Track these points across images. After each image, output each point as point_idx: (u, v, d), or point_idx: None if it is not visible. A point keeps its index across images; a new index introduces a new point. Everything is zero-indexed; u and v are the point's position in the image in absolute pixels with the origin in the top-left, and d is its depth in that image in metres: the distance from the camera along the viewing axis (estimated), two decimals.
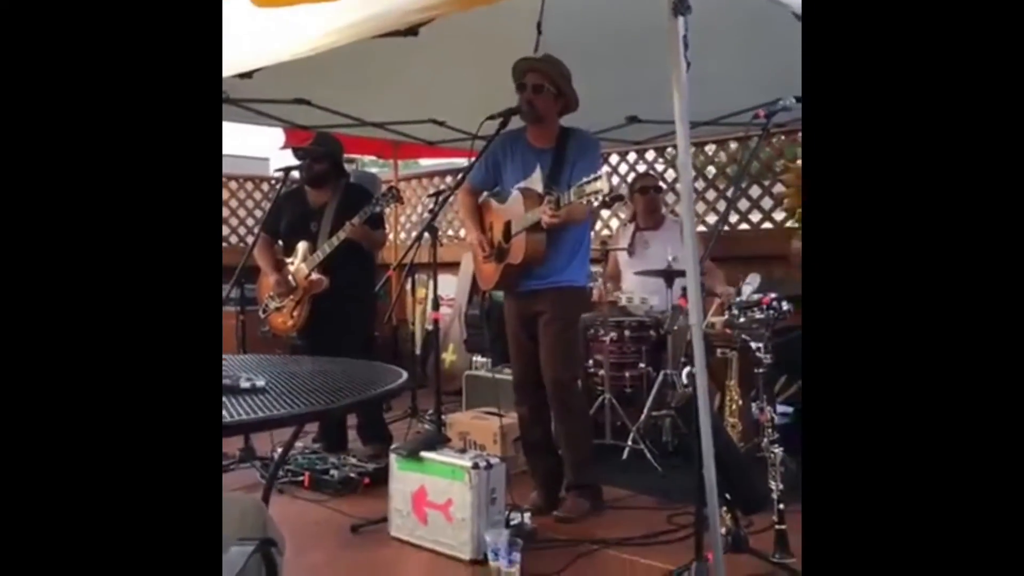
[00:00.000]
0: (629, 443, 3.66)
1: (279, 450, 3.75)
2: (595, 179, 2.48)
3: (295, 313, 3.77)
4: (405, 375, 1.77)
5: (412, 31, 3.00)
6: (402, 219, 6.79)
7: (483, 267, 3.09)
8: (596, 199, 2.46)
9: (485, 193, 3.15)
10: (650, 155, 5.53)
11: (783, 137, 4.71)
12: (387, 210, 3.90)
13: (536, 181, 2.93)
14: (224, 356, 3.35)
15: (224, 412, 1.36)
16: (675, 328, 2.50)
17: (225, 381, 1.56)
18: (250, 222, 6.78)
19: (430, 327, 5.96)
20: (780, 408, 3.35)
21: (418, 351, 5.69)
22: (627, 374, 3.89)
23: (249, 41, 2.69)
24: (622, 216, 5.37)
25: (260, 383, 1.57)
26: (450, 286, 5.71)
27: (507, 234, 2.94)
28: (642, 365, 3.88)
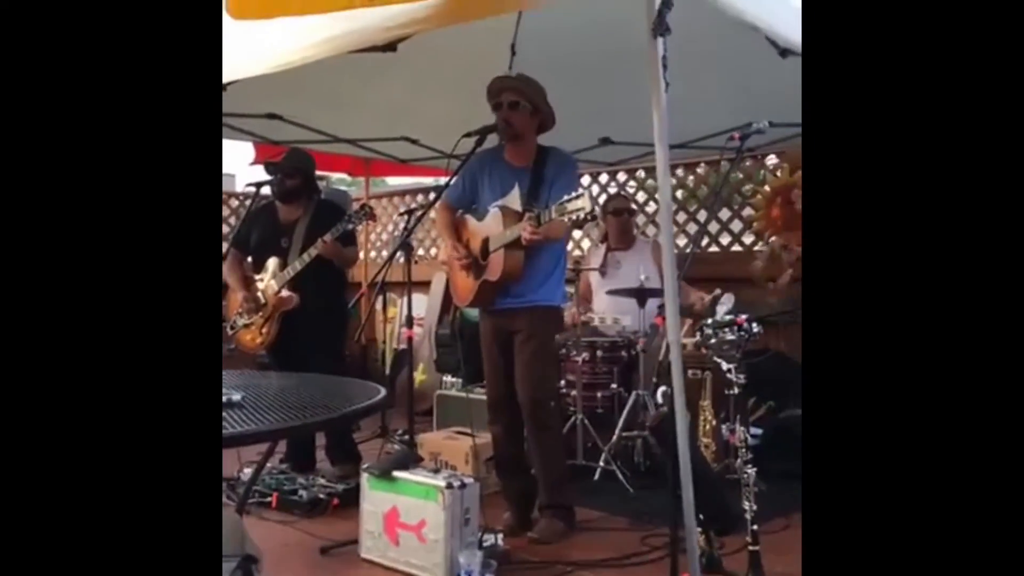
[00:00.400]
0: (601, 464, 3.65)
1: (246, 470, 3.68)
2: (577, 197, 2.49)
3: (264, 330, 3.71)
4: (383, 391, 1.75)
5: (391, 47, 3.00)
6: (372, 237, 6.75)
7: (459, 284, 3.07)
8: (578, 216, 2.47)
9: (460, 211, 3.15)
10: (622, 176, 5.58)
11: (752, 160, 4.78)
12: (359, 228, 3.87)
13: (514, 199, 2.93)
14: None
15: None
16: (653, 345, 2.51)
17: None
18: None
19: (399, 346, 5.96)
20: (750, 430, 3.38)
21: (387, 370, 5.64)
22: (599, 394, 3.89)
23: (224, 53, 2.65)
24: (593, 236, 5.40)
25: (236, 397, 1.54)
26: (420, 305, 5.68)
27: (484, 251, 2.93)
28: (614, 386, 3.88)
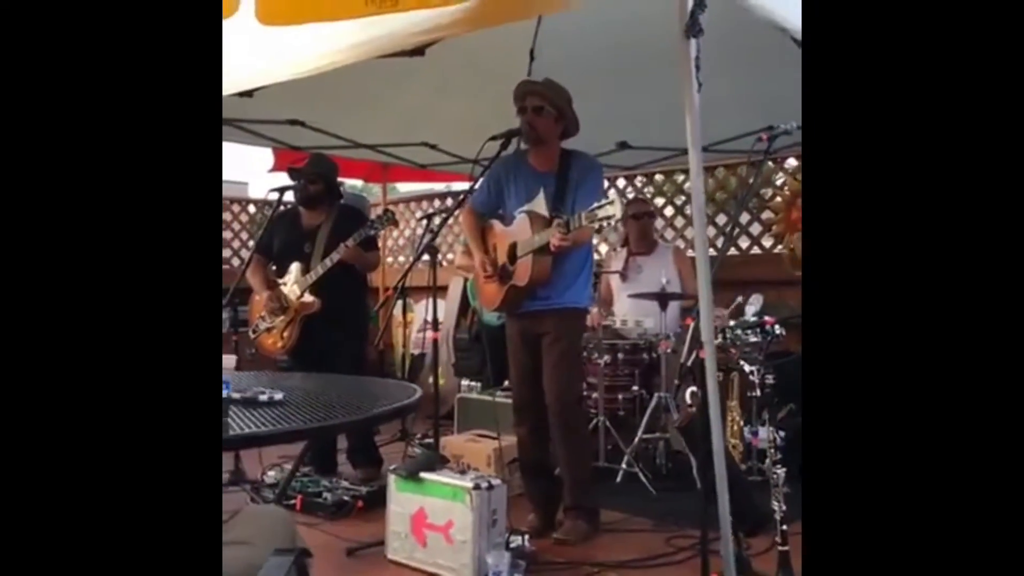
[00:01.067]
0: (623, 466, 3.66)
1: (269, 473, 3.71)
2: (607, 203, 2.50)
3: (285, 334, 3.73)
4: (419, 390, 1.76)
5: (418, 51, 3.02)
6: (388, 242, 6.78)
7: (485, 288, 3.09)
8: (608, 224, 2.48)
9: (486, 216, 3.16)
10: (639, 181, 5.59)
11: (772, 163, 4.79)
12: (381, 233, 3.89)
13: (540, 204, 2.94)
14: (231, 372, 3.31)
15: (245, 425, 1.34)
16: (685, 347, 2.51)
17: (243, 394, 1.54)
18: (236, 244, 6.73)
19: (416, 351, 5.98)
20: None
21: (404, 376, 5.65)
22: (620, 396, 3.89)
23: (253, 59, 2.69)
24: (610, 240, 5.41)
25: (278, 396, 1.55)
26: (438, 310, 5.69)
27: (512, 256, 2.94)
28: (635, 388, 3.88)
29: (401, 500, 2.76)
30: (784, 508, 2.49)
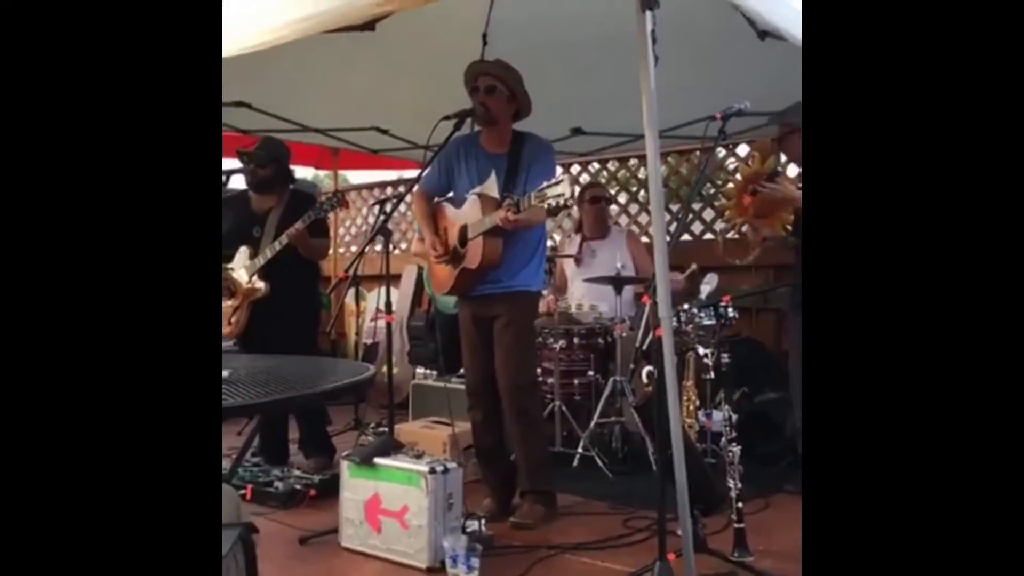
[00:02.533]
0: (579, 450, 3.65)
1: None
2: (557, 183, 2.47)
3: (233, 319, 3.63)
4: (372, 368, 1.72)
5: (369, 26, 2.95)
6: (340, 231, 6.66)
7: (437, 272, 3.04)
8: (558, 202, 2.45)
9: (436, 199, 3.12)
10: (594, 167, 5.59)
11: (724, 150, 4.82)
12: (329, 215, 3.81)
13: (491, 186, 2.90)
14: None
15: None
16: (640, 329, 2.51)
17: None
18: None
19: (368, 341, 5.89)
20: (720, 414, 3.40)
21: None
22: (576, 381, 3.88)
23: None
24: (565, 227, 5.40)
25: (224, 373, 1.49)
26: (391, 297, 5.62)
27: (463, 239, 2.90)
28: (591, 373, 3.87)
29: (355, 486, 2.70)
30: (739, 486, 2.51)
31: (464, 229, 2.91)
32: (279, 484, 3.26)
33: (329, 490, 3.12)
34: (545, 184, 2.52)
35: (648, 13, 1.88)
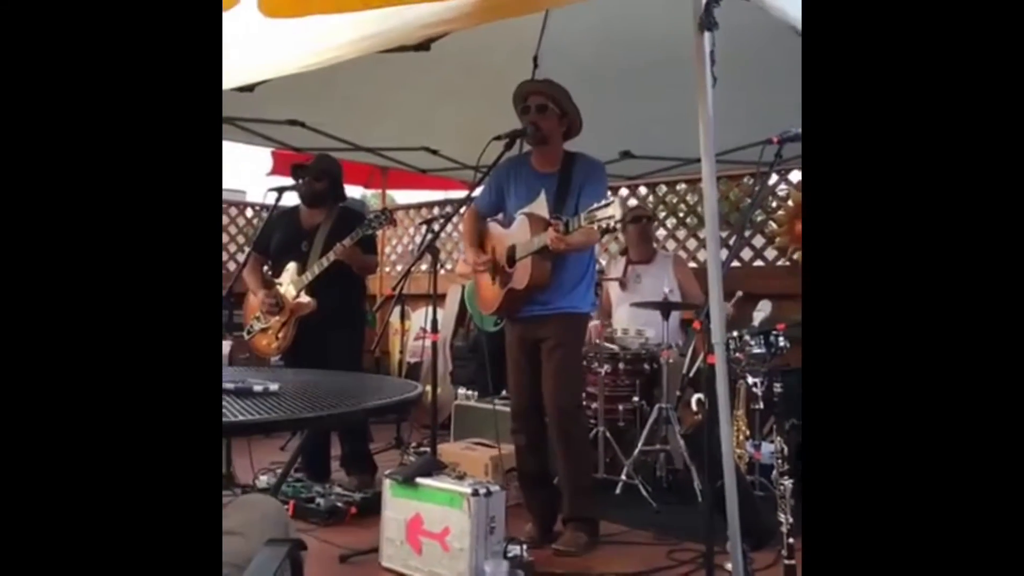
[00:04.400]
0: (623, 478, 3.58)
1: (261, 477, 3.63)
2: (607, 204, 2.44)
3: (280, 335, 3.66)
4: (419, 387, 1.70)
5: (423, 46, 2.98)
6: (387, 250, 6.71)
7: (485, 292, 3.02)
8: (608, 224, 2.42)
9: (487, 218, 3.11)
10: (642, 191, 5.55)
11: (776, 176, 4.75)
12: (378, 233, 3.83)
13: (541, 206, 2.89)
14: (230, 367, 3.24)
15: (239, 413, 1.28)
16: (687, 356, 2.45)
17: (237, 385, 1.48)
18: (232, 248, 6.68)
19: (413, 359, 5.90)
20: (770, 446, 3.31)
21: None
22: (620, 407, 3.82)
23: (255, 52, 2.64)
24: (611, 250, 5.36)
25: (273, 387, 1.49)
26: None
27: (511, 259, 2.88)
28: (636, 399, 3.81)
29: (396, 506, 2.68)
30: (791, 521, 2.42)
31: (512, 249, 2.89)
32: (321, 501, 3.26)
33: (370, 508, 3.10)
34: (596, 205, 2.49)
35: (707, 34, 1.85)
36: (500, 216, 3.10)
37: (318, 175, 3.69)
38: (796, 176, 4.77)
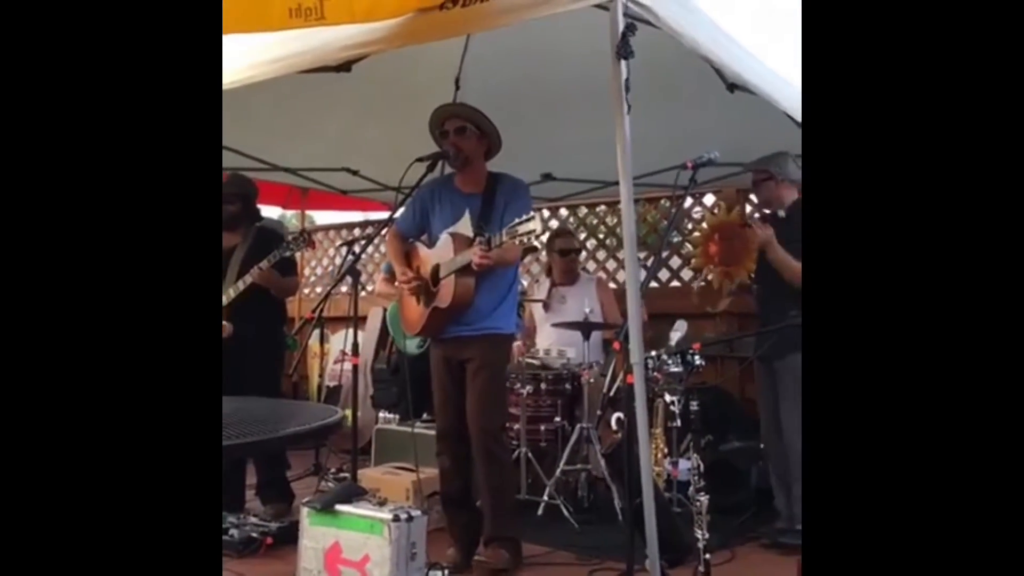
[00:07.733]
0: (544, 498, 3.59)
1: None
2: (527, 219, 2.47)
3: None
4: (340, 411, 1.67)
5: (344, 67, 2.96)
6: (306, 272, 6.59)
7: (407, 312, 3.00)
8: (528, 240, 2.45)
9: (411, 239, 3.10)
10: (563, 212, 5.63)
11: (691, 199, 4.89)
12: (296, 255, 3.77)
13: (465, 226, 2.90)
14: None
15: None
16: (608, 376, 2.50)
17: None
18: None
19: (332, 383, 5.79)
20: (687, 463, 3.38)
21: None
22: (543, 427, 3.84)
23: None
24: (533, 272, 5.41)
25: None
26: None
27: (435, 278, 2.88)
28: (558, 419, 3.84)
29: (314, 534, 2.61)
30: (707, 536, 2.48)
31: (437, 268, 2.89)
32: (234, 531, 3.15)
33: (287, 538, 3.02)
34: (516, 221, 2.52)
35: (623, 63, 1.91)
36: (424, 238, 3.10)
37: (229, 198, 3.60)
38: (710, 199, 4.93)
